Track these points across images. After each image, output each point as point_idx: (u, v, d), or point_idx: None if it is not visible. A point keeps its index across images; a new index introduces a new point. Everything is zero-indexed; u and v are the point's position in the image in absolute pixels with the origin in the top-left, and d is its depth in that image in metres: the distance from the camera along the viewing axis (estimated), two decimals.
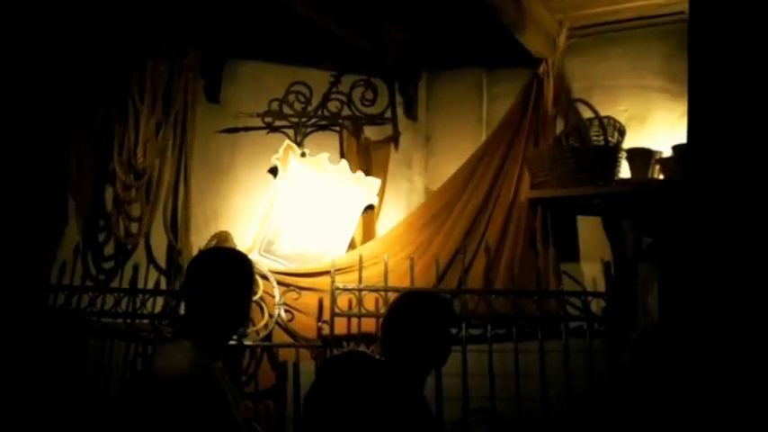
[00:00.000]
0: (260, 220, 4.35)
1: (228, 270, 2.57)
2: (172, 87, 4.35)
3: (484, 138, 4.50)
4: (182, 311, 3.84)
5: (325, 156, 4.45)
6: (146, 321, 3.90)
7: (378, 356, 2.80)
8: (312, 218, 4.39)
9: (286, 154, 4.42)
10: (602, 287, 3.93)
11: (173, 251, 4.32)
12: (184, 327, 2.60)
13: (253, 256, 4.13)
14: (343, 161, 4.47)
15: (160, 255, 4.37)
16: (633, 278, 3.94)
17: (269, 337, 3.94)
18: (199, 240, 4.29)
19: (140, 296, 3.94)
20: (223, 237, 4.27)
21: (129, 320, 3.86)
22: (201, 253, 2.86)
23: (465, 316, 3.78)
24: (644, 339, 3.58)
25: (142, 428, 2.29)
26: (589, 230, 4.17)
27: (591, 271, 4.13)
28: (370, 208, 4.44)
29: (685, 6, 3.87)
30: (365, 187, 4.43)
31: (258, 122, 4.56)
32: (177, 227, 4.32)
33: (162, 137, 4.30)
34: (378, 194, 4.47)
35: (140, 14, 4.15)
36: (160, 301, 4.12)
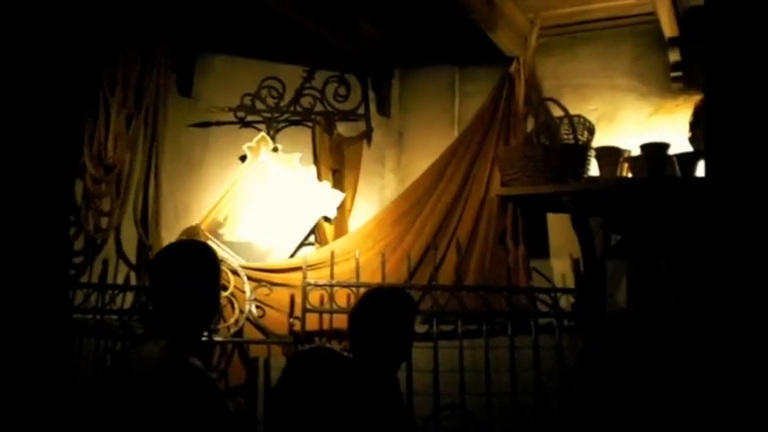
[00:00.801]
0: (216, 201, 4.37)
1: (196, 262, 2.52)
2: (143, 80, 4.33)
3: (456, 135, 4.53)
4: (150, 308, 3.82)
5: (297, 156, 4.45)
6: (115, 317, 3.88)
7: (345, 353, 2.84)
8: (267, 213, 4.39)
9: (259, 145, 4.43)
10: (571, 284, 3.97)
11: (143, 246, 4.29)
12: (156, 325, 2.56)
13: None
14: (313, 167, 4.47)
15: (130, 250, 4.34)
16: (602, 275, 3.98)
17: (240, 333, 3.93)
18: (169, 235, 4.27)
19: (110, 291, 3.91)
20: (193, 231, 4.25)
21: (98, 316, 3.83)
22: (165, 247, 2.78)
23: (436, 312, 3.80)
24: (604, 331, 3.64)
25: (144, 428, 2.26)
26: (559, 227, 4.21)
27: (560, 268, 4.18)
28: (326, 219, 4.43)
29: (655, 7, 3.96)
30: (328, 197, 4.42)
31: (230, 117, 4.55)
32: (147, 222, 4.30)
33: (133, 130, 4.28)
34: (338, 206, 4.43)
35: (113, 6, 4.11)
36: (130, 296, 4.10)
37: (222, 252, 4.16)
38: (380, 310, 2.80)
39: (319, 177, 4.46)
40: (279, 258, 4.25)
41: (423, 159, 4.47)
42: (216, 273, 2.58)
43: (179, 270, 2.49)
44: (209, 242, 4.13)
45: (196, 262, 2.52)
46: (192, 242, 2.83)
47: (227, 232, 4.33)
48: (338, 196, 4.44)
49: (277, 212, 4.40)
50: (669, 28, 4.08)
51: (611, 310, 3.87)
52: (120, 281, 4.19)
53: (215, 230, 4.31)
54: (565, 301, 3.94)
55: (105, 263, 4.05)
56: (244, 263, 4.10)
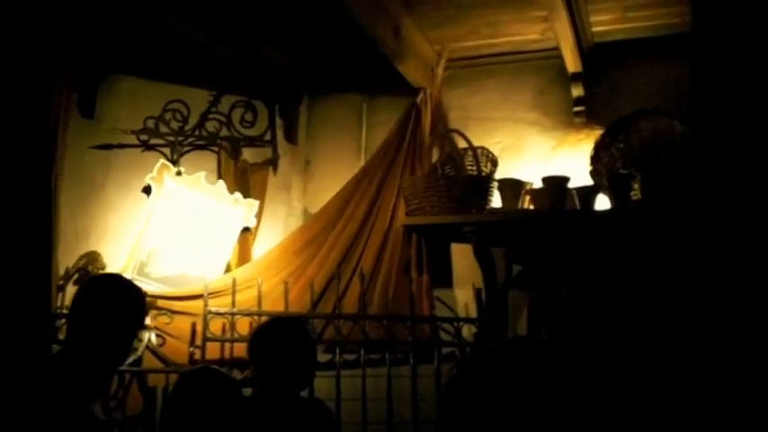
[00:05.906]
0: (133, 241, 4.23)
1: (131, 306, 2.43)
2: None
3: (363, 164, 4.53)
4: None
5: (201, 175, 4.39)
6: None
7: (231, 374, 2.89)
8: (188, 239, 4.31)
9: (161, 173, 4.34)
10: (473, 313, 4.02)
11: None
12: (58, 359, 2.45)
13: None
14: (221, 181, 4.41)
15: None
16: (504, 305, 4.04)
17: (138, 361, 3.83)
18: (67, 260, 4.16)
19: None
20: (92, 257, 4.16)
21: None
22: (102, 281, 2.56)
23: (339, 341, 3.79)
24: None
25: None
26: (462, 258, 4.25)
27: (463, 297, 4.21)
28: (247, 230, 4.39)
29: (558, 43, 4.06)
30: (243, 208, 4.38)
31: (133, 140, 4.46)
32: None
33: None
34: (255, 217, 4.43)
35: (13, 23, 3.98)
36: None
37: (153, 288, 4.06)
38: (275, 343, 2.89)
39: None
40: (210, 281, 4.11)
41: (329, 187, 4.46)
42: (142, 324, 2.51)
43: (114, 316, 2.37)
44: (140, 283, 4.00)
45: (133, 310, 2.43)
46: (132, 286, 2.58)
47: (155, 269, 4.21)
48: (253, 204, 4.41)
49: (198, 235, 4.32)
50: (572, 63, 4.19)
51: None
52: None
53: (142, 270, 4.17)
54: (467, 331, 3.99)
55: None
56: (146, 290, 4.00)
